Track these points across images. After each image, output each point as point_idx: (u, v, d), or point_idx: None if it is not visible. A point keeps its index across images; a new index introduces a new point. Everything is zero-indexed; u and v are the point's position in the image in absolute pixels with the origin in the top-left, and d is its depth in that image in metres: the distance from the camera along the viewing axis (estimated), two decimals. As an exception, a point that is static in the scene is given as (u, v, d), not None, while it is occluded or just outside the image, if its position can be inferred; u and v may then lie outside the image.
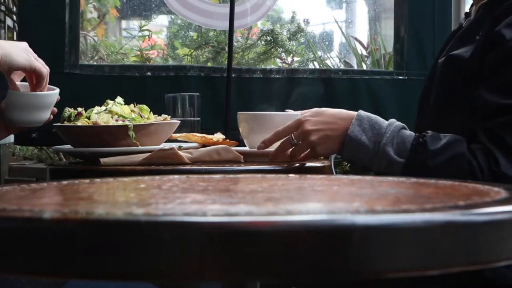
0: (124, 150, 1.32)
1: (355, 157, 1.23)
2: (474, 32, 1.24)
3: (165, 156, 1.28)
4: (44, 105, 1.27)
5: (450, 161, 1.14)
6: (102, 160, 1.28)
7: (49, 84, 1.28)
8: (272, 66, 3.17)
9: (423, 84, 1.41)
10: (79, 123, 1.37)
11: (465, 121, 1.20)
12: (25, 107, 1.25)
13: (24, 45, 1.22)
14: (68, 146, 1.45)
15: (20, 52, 1.19)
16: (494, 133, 1.15)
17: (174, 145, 1.35)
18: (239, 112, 1.47)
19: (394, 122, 1.22)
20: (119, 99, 1.45)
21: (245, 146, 1.47)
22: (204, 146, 1.42)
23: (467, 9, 1.40)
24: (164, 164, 1.26)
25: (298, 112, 1.35)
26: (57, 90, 1.29)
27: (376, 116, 1.24)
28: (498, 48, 1.16)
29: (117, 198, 0.66)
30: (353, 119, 1.21)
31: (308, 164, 1.31)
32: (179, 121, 1.49)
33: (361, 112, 1.23)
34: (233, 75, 2.68)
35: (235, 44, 2.99)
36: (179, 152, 1.28)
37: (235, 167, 1.26)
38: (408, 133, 1.20)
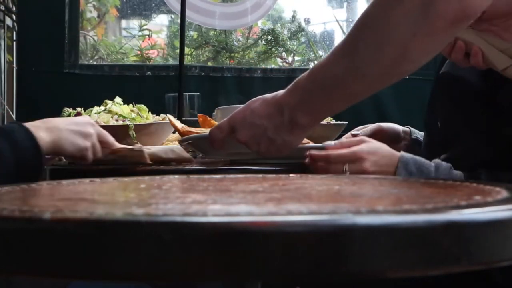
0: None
1: None
2: None
3: (132, 155, 1.26)
4: None
5: None
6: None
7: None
8: (273, 66, 3.17)
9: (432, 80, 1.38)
10: (79, 123, 1.37)
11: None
12: None
13: (84, 121, 1.21)
14: (68, 146, 1.45)
15: (73, 138, 1.17)
16: None
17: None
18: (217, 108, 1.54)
19: (441, 165, 1.18)
20: (118, 99, 1.45)
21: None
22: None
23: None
24: (128, 163, 1.26)
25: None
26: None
27: (420, 158, 1.19)
28: None
29: (117, 198, 0.66)
30: (398, 162, 1.18)
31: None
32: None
33: (404, 154, 1.19)
34: (233, 75, 2.68)
35: (235, 43, 2.99)
36: (145, 152, 1.26)
37: (235, 167, 1.26)
38: (456, 172, 1.16)
